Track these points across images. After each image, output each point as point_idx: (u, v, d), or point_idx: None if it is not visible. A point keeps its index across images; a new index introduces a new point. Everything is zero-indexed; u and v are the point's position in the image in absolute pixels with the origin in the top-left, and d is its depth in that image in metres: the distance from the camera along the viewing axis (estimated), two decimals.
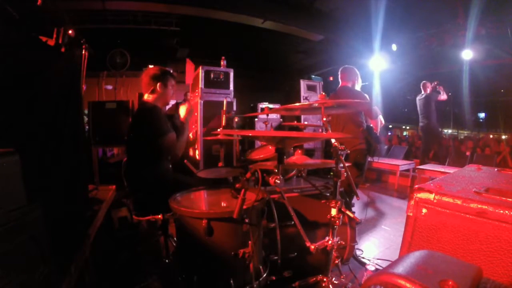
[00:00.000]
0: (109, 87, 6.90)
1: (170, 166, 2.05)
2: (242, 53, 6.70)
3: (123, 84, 6.86)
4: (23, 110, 1.22)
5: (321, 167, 1.91)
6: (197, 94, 3.92)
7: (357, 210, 3.51)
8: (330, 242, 1.48)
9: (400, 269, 0.66)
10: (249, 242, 1.28)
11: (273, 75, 8.40)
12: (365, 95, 2.96)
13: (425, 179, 4.30)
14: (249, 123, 5.58)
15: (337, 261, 1.66)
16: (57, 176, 1.38)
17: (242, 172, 1.60)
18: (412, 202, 1.17)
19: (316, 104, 1.48)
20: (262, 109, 5.12)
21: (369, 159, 2.96)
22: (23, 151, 0.93)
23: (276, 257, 1.65)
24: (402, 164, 5.10)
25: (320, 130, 4.20)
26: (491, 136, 11.66)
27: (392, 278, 0.64)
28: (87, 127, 3.81)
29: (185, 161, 2.10)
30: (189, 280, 1.36)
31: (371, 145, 2.85)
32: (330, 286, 1.54)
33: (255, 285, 1.33)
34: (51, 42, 2.07)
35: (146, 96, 1.99)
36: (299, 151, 1.76)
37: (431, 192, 1.12)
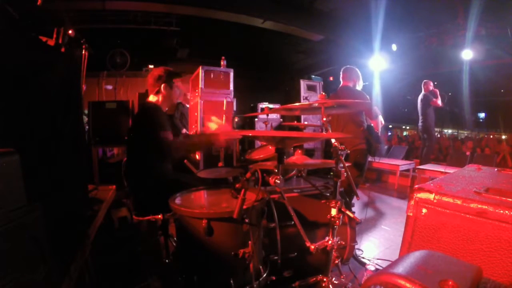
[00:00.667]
0: (109, 87, 6.90)
1: (170, 166, 2.05)
2: (242, 53, 6.70)
3: (123, 84, 6.87)
4: (23, 110, 1.22)
5: (321, 167, 1.91)
6: (197, 94, 3.92)
7: (357, 210, 3.51)
8: (330, 242, 1.48)
9: (400, 269, 0.66)
10: (249, 242, 1.28)
11: (273, 75, 8.40)
12: (366, 95, 2.96)
13: (425, 179, 4.30)
14: (249, 123, 5.58)
15: (337, 261, 1.66)
16: (57, 176, 1.38)
17: (242, 172, 1.60)
18: (412, 202, 1.17)
19: (316, 104, 1.48)
20: (262, 109, 5.12)
21: (370, 158, 2.96)
22: (23, 151, 0.93)
23: (276, 257, 1.65)
24: (402, 164, 5.10)
25: (320, 130, 4.19)
26: (491, 136, 11.66)
27: (392, 278, 0.64)
28: (87, 127, 3.81)
29: (185, 161, 2.10)
30: (189, 280, 1.36)
31: (372, 145, 2.85)
32: (330, 286, 1.54)
33: (255, 285, 1.32)
34: (51, 42, 2.07)
35: (151, 97, 1.99)
36: (299, 151, 1.76)
37: (431, 192, 1.12)
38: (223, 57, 4.11)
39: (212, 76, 3.90)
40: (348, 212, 1.53)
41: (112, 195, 2.38)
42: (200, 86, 3.81)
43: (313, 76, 7.30)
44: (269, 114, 2.82)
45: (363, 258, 2.29)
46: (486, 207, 0.97)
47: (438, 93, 5.36)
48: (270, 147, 2.03)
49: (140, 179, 1.87)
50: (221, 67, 4.04)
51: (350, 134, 2.77)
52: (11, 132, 1.13)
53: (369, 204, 3.94)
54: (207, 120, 1.96)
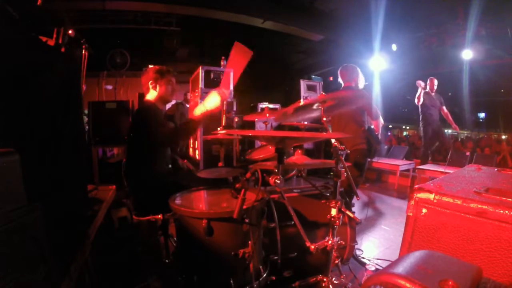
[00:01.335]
0: (109, 87, 6.90)
1: (170, 166, 2.05)
2: None
3: (123, 84, 6.87)
4: (23, 110, 1.22)
5: (321, 167, 1.91)
6: (197, 94, 3.92)
7: (357, 210, 3.51)
8: (330, 242, 1.48)
9: (400, 269, 0.66)
10: (249, 242, 1.28)
11: (273, 75, 8.40)
12: (368, 95, 2.95)
13: (425, 179, 4.30)
14: (249, 123, 5.58)
15: (337, 261, 1.66)
16: (57, 176, 1.38)
17: (242, 172, 1.60)
18: (412, 202, 1.17)
19: (315, 106, 1.48)
20: (262, 109, 5.12)
21: (368, 159, 2.95)
22: (23, 151, 0.93)
23: (276, 257, 1.65)
24: (402, 164, 5.10)
25: (320, 130, 4.19)
26: (491, 137, 11.66)
27: (392, 278, 0.64)
28: (87, 127, 3.81)
29: (185, 161, 2.10)
30: (189, 280, 1.36)
31: (372, 145, 2.84)
32: (330, 286, 1.54)
33: (255, 285, 1.33)
34: (51, 42, 2.07)
35: (147, 96, 2.00)
36: (299, 151, 1.76)
37: (431, 192, 1.12)
38: (223, 57, 4.12)
39: (212, 76, 3.90)
40: (348, 212, 1.53)
41: (112, 195, 2.38)
42: (200, 86, 3.81)
43: (313, 76, 7.30)
44: (269, 114, 2.81)
45: (363, 258, 2.29)
46: (486, 207, 0.97)
47: (420, 84, 5.19)
48: (270, 147, 2.03)
49: (140, 179, 1.88)
50: (221, 67, 4.05)
51: (351, 133, 2.75)
52: (11, 132, 1.13)
53: (369, 204, 3.94)
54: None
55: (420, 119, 5.24)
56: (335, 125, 3.03)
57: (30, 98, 1.24)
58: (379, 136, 3.03)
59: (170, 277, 1.77)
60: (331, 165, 1.51)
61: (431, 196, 1.12)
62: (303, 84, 5.49)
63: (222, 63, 4.10)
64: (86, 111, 4.05)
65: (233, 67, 1.86)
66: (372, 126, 2.96)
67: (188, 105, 5.16)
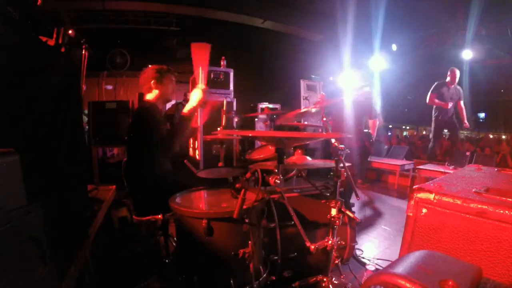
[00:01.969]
0: (109, 87, 6.89)
1: (170, 166, 2.05)
2: (242, 53, 6.70)
3: (123, 84, 6.86)
4: (23, 110, 1.22)
5: (321, 167, 1.91)
6: None
7: (357, 210, 3.51)
8: (330, 242, 1.48)
9: (400, 269, 0.66)
10: (249, 242, 1.28)
11: (273, 75, 8.39)
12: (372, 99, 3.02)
13: (425, 179, 4.30)
14: (249, 123, 5.57)
15: (337, 261, 1.66)
16: (57, 176, 1.38)
17: (242, 172, 1.60)
18: (412, 202, 1.17)
19: (313, 110, 1.49)
20: (262, 109, 5.12)
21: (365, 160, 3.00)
22: (23, 151, 0.93)
23: (276, 257, 1.65)
24: (402, 164, 5.10)
25: (320, 130, 4.20)
26: (491, 136, 11.66)
27: (392, 278, 0.64)
28: (87, 127, 3.81)
29: (185, 161, 2.10)
30: (189, 280, 1.36)
31: (366, 146, 2.89)
32: (330, 286, 1.54)
33: (255, 285, 1.32)
34: (51, 42, 2.07)
35: (147, 96, 2.00)
36: (299, 151, 1.76)
37: (431, 192, 1.12)
38: (223, 57, 4.12)
39: (212, 76, 3.90)
40: (348, 212, 1.53)
41: (112, 195, 2.38)
42: (208, 91, 3.81)
43: (313, 76, 7.30)
44: (269, 114, 2.82)
45: (363, 258, 2.29)
46: (486, 207, 0.97)
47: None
48: (270, 147, 2.03)
49: (140, 179, 1.87)
50: (221, 67, 4.04)
51: (350, 132, 2.79)
52: (11, 132, 1.13)
53: (369, 204, 3.94)
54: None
55: (433, 111, 4.83)
56: (334, 124, 3.07)
57: (30, 98, 1.25)
58: (373, 137, 3.07)
59: (170, 277, 1.77)
60: (331, 165, 1.51)
61: (431, 196, 1.11)
62: (303, 84, 5.48)
63: (222, 63, 4.10)
64: (86, 111, 4.05)
65: (199, 64, 1.92)
66: (369, 131, 3.00)
67: None
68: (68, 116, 1.53)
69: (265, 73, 8.23)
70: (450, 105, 4.58)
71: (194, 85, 4.51)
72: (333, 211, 1.46)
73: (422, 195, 1.14)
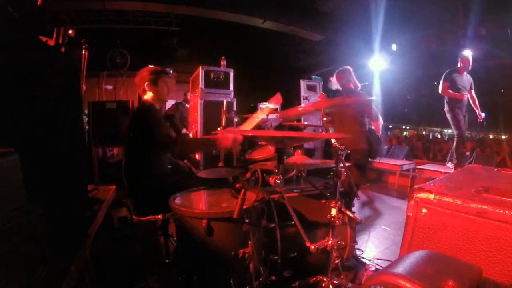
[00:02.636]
0: (109, 87, 6.90)
1: (170, 166, 2.05)
2: (242, 53, 6.70)
3: (123, 84, 6.87)
4: (23, 110, 1.22)
5: (321, 167, 1.92)
6: (197, 94, 3.92)
7: (357, 210, 3.51)
8: (330, 242, 1.48)
9: (400, 269, 0.66)
10: (249, 242, 1.28)
11: (273, 75, 8.40)
12: (367, 96, 2.99)
13: (425, 179, 4.30)
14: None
15: (337, 261, 1.66)
16: (57, 176, 1.38)
17: (242, 172, 1.60)
18: (412, 202, 1.17)
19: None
20: (262, 109, 5.11)
21: (370, 160, 2.98)
22: (23, 151, 0.93)
23: (276, 257, 1.65)
24: (402, 164, 5.10)
25: (320, 130, 4.20)
26: (491, 136, 11.66)
27: (392, 278, 0.64)
28: (87, 127, 3.81)
29: (185, 161, 2.10)
30: (189, 280, 1.36)
31: (372, 146, 2.86)
32: (330, 286, 1.54)
33: (255, 285, 1.32)
34: (51, 42, 2.07)
35: (145, 96, 2.01)
36: (299, 151, 1.76)
37: (431, 192, 1.12)
38: (223, 57, 4.12)
39: (212, 76, 3.90)
40: (348, 212, 1.53)
41: (112, 195, 2.38)
42: (200, 86, 3.81)
43: (313, 76, 7.31)
44: (269, 114, 2.82)
45: (363, 258, 2.29)
46: (486, 207, 0.97)
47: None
48: (270, 147, 2.03)
49: (140, 179, 1.88)
50: (221, 67, 4.04)
51: (352, 134, 2.78)
52: (11, 132, 1.13)
53: (369, 204, 3.94)
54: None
55: (446, 104, 4.29)
56: (337, 125, 3.06)
57: (30, 98, 1.25)
58: (380, 137, 3.06)
59: (170, 277, 1.77)
60: (331, 165, 1.51)
61: (431, 196, 1.11)
62: (303, 84, 5.48)
63: (222, 63, 4.10)
64: (86, 111, 4.05)
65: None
66: (373, 127, 2.99)
67: (188, 105, 5.16)
68: (68, 116, 1.53)
69: (265, 73, 8.24)
70: (466, 96, 4.20)
71: (194, 85, 4.50)
72: (333, 211, 1.46)
73: (422, 195, 1.14)
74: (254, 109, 5.67)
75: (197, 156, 3.86)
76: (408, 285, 0.61)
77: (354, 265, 2.12)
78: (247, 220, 1.28)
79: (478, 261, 0.96)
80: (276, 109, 5.31)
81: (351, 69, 3.05)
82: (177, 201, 1.48)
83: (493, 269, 0.93)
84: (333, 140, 1.47)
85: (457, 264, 0.73)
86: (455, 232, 1.03)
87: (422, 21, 5.47)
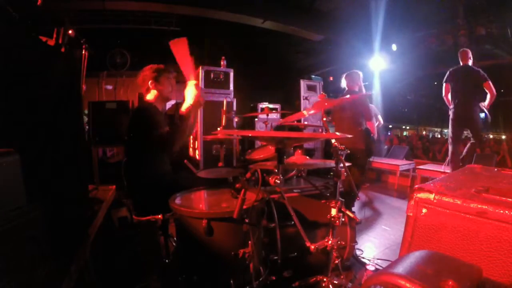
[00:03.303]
0: (109, 87, 6.90)
1: (170, 166, 2.05)
2: (242, 53, 6.70)
3: (123, 84, 6.87)
4: (23, 110, 1.22)
5: (321, 167, 1.92)
6: None
7: (357, 210, 3.51)
8: (330, 242, 1.48)
9: (400, 269, 0.66)
10: (249, 242, 1.28)
11: (273, 75, 8.40)
12: (367, 99, 3.09)
13: (425, 179, 4.30)
14: (249, 123, 5.57)
15: (337, 261, 1.66)
16: (57, 176, 1.38)
17: (242, 172, 1.60)
18: (412, 202, 1.17)
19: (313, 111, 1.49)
20: (262, 109, 5.12)
21: (369, 159, 3.04)
22: (23, 151, 0.93)
23: (276, 257, 1.65)
24: (402, 164, 5.10)
25: (320, 130, 4.21)
26: (491, 136, 11.66)
27: (392, 278, 0.64)
28: (87, 127, 3.81)
29: (185, 161, 2.10)
30: (189, 280, 1.36)
31: (368, 145, 2.93)
32: (330, 286, 1.54)
33: (255, 285, 1.32)
34: (51, 42, 2.06)
35: (147, 96, 2.00)
36: (299, 151, 1.76)
37: (431, 192, 1.12)
38: (223, 57, 4.12)
39: (212, 76, 3.90)
40: (348, 212, 1.53)
41: (112, 195, 2.38)
42: (200, 86, 3.81)
43: (313, 76, 7.31)
44: (269, 114, 2.82)
45: (363, 258, 2.29)
46: (486, 207, 0.97)
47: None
48: (270, 147, 2.03)
49: (140, 179, 1.87)
50: (221, 67, 4.04)
51: (351, 133, 2.82)
52: (11, 132, 1.13)
53: (369, 204, 3.94)
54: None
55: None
56: (336, 125, 3.12)
57: (30, 98, 1.25)
58: (375, 137, 3.14)
59: (170, 277, 1.77)
60: (331, 165, 1.51)
61: (431, 196, 1.11)
62: (303, 84, 5.48)
63: (222, 63, 4.10)
64: (86, 111, 4.05)
65: (182, 61, 1.89)
66: (368, 128, 3.06)
67: None
68: (68, 116, 1.53)
69: (265, 73, 8.24)
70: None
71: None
72: (333, 211, 1.46)
73: (422, 195, 1.14)
74: (254, 109, 5.68)
75: (197, 156, 3.86)
76: (408, 285, 0.61)
77: (354, 265, 2.12)
78: (247, 220, 1.28)
79: (478, 261, 0.96)
80: (276, 109, 5.33)
81: (360, 74, 3.20)
82: (177, 201, 1.48)
83: (493, 269, 0.93)
84: (333, 140, 1.48)
85: (457, 264, 0.73)
86: (455, 232, 1.03)
87: (422, 21, 5.47)
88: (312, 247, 1.44)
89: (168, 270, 1.78)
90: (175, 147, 1.81)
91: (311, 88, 5.55)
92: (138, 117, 1.95)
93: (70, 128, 1.55)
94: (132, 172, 1.91)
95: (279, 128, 4.07)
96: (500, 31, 4.94)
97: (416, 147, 7.89)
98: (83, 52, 2.69)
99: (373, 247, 2.55)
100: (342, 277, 1.73)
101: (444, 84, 4.01)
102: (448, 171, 4.19)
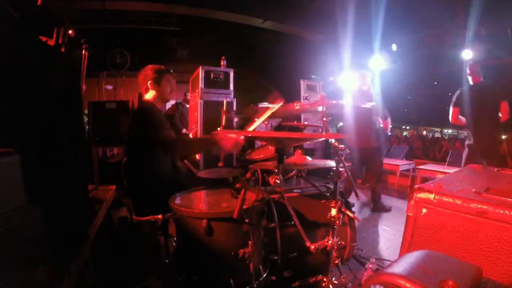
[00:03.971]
0: (109, 87, 6.90)
1: (170, 166, 2.05)
2: (242, 53, 6.71)
3: (123, 84, 6.87)
4: (23, 110, 1.22)
5: (321, 167, 1.92)
6: (197, 94, 3.92)
7: (357, 210, 3.51)
8: (330, 242, 1.48)
9: (400, 269, 0.66)
10: (249, 242, 1.28)
11: (273, 75, 8.40)
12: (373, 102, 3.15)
13: (425, 179, 4.30)
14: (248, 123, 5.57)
15: (337, 261, 1.66)
16: (57, 176, 1.38)
17: (242, 172, 1.60)
18: (412, 202, 1.17)
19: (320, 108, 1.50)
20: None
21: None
22: (23, 151, 0.93)
23: (276, 257, 1.65)
24: (402, 164, 5.10)
25: (320, 130, 4.21)
26: None
27: (392, 278, 0.64)
28: (87, 127, 3.81)
29: (185, 161, 2.10)
30: (189, 280, 1.36)
31: (381, 144, 3.01)
32: (330, 286, 1.54)
33: (255, 285, 1.32)
34: (51, 42, 2.06)
35: (146, 95, 2.00)
36: (299, 151, 1.76)
37: (431, 192, 1.12)
38: (223, 57, 4.11)
39: (212, 76, 3.90)
40: (348, 212, 1.53)
41: (112, 195, 2.38)
42: (200, 86, 3.81)
43: (313, 76, 7.30)
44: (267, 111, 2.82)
45: (363, 258, 2.29)
46: (486, 207, 0.97)
47: None
48: (270, 147, 2.02)
49: (140, 179, 1.88)
50: (221, 67, 4.04)
51: (367, 133, 2.91)
52: (11, 132, 1.13)
53: (369, 204, 3.94)
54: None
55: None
56: (349, 125, 3.13)
57: (30, 98, 1.25)
58: (387, 136, 3.24)
59: (170, 277, 1.77)
60: (331, 165, 1.51)
61: (431, 196, 1.11)
62: (303, 84, 5.48)
63: (222, 63, 4.10)
64: (86, 111, 4.05)
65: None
66: (382, 125, 3.10)
67: (188, 105, 5.16)
68: (68, 116, 1.53)
69: (265, 73, 8.24)
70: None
71: (194, 85, 4.50)
72: (333, 211, 1.46)
73: (422, 195, 1.14)
74: (254, 109, 5.67)
75: (197, 156, 3.86)
76: (408, 285, 0.61)
77: (354, 265, 2.12)
78: (247, 220, 1.28)
79: (478, 261, 0.96)
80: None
81: (370, 74, 3.38)
82: (177, 201, 1.48)
83: (493, 269, 0.93)
84: (333, 140, 1.48)
85: (457, 264, 0.73)
86: (455, 232, 1.03)
87: (422, 21, 5.47)
88: (312, 247, 1.44)
89: (168, 270, 1.78)
90: (174, 151, 1.82)
91: (311, 88, 5.55)
92: (139, 117, 1.96)
93: (70, 128, 1.55)
94: (132, 172, 1.91)
95: (279, 128, 4.07)
96: (500, 31, 4.94)
97: (416, 147, 7.88)
98: (83, 52, 2.69)
99: (373, 247, 2.55)
100: (342, 277, 1.73)
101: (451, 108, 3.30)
102: (450, 170, 4.22)
